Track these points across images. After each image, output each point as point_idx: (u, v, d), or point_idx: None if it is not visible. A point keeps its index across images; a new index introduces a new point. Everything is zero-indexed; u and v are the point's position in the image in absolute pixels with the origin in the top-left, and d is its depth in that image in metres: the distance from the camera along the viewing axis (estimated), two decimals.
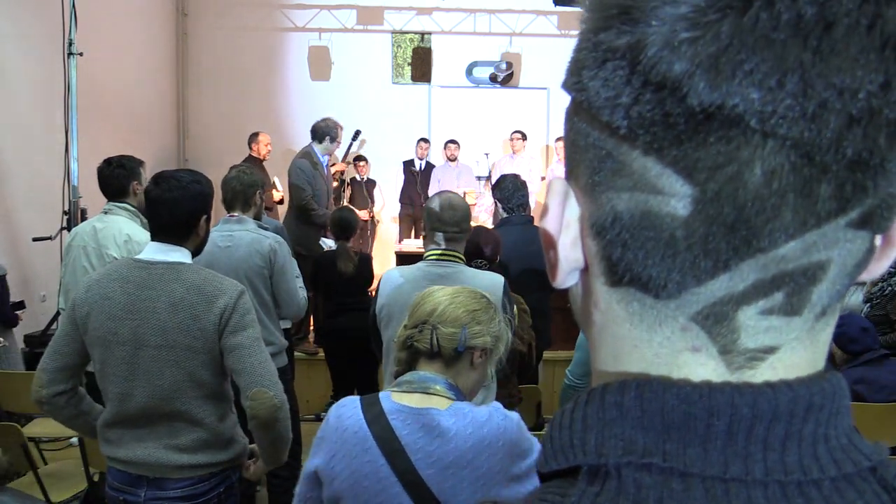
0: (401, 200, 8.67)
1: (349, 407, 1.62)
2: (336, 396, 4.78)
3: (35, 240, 5.16)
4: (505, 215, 4.07)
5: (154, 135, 8.50)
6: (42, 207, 5.69)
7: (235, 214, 3.39)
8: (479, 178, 8.80)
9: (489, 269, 3.15)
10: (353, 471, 1.54)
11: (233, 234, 3.31)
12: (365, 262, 4.61)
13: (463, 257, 2.81)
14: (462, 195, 7.74)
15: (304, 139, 8.26)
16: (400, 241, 8.68)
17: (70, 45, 5.00)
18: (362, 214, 8.03)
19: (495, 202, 4.17)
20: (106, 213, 3.54)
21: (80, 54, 5.04)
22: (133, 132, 7.80)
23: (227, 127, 9.10)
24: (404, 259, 6.12)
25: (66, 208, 5.08)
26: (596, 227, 0.43)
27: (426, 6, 9.29)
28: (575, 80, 0.43)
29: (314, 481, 1.61)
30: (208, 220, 2.30)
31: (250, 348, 2.08)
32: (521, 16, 9.54)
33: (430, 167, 8.79)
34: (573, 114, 0.45)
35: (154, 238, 2.23)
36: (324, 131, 6.00)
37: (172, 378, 2.05)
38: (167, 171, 2.27)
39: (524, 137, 8.73)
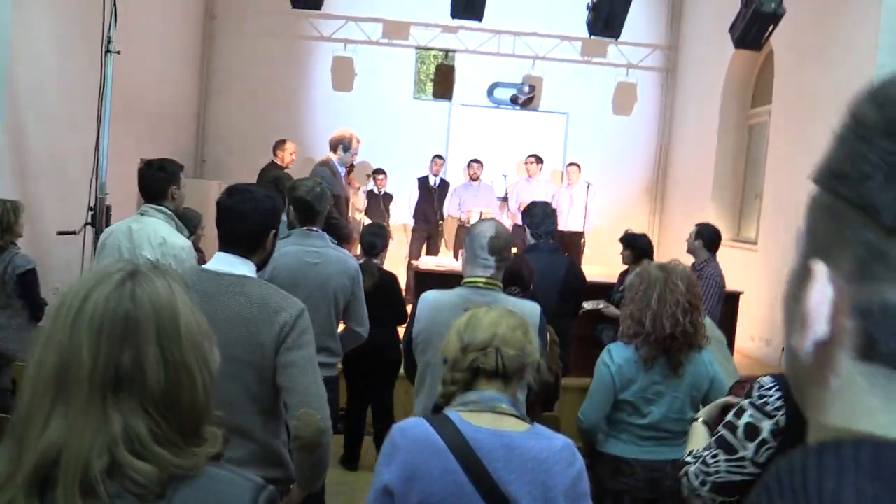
0: (414, 216, 8.69)
1: (419, 428, 1.67)
2: (348, 411, 4.78)
3: (59, 234, 5.17)
4: (532, 241, 4.10)
5: (173, 135, 8.53)
6: (67, 201, 5.71)
7: (314, 229, 3.41)
8: (503, 199, 8.84)
9: (522, 297, 3.17)
10: (434, 489, 1.60)
11: (318, 250, 3.34)
12: (388, 280, 4.62)
13: (501, 285, 2.84)
14: (479, 216, 7.82)
15: (322, 148, 8.33)
16: (411, 257, 8.71)
17: (108, 42, 5.03)
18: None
19: (524, 227, 4.20)
20: (142, 214, 3.55)
21: (118, 52, 5.07)
22: (153, 131, 7.84)
23: (246, 132, 9.16)
24: (424, 277, 6.14)
25: (92, 204, 5.09)
26: (860, 310, 0.49)
27: (452, 24, 9.36)
28: (852, 184, 0.49)
29: (386, 496, 1.65)
30: (276, 235, 2.33)
31: (304, 368, 2.09)
32: (546, 40, 9.62)
33: (444, 184, 8.83)
34: (836, 206, 0.51)
35: (222, 248, 2.24)
36: (338, 142, 6.02)
37: (229, 391, 2.05)
38: (241, 183, 2.30)
39: (539, 161, 8.76)
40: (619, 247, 5.42)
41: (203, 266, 2.29)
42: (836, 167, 0.51)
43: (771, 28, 5.21)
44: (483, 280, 2.75)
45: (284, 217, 4.08)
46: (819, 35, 6.38)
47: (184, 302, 1.00)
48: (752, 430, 1.74)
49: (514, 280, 3.23)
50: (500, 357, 1.73)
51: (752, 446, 1.73)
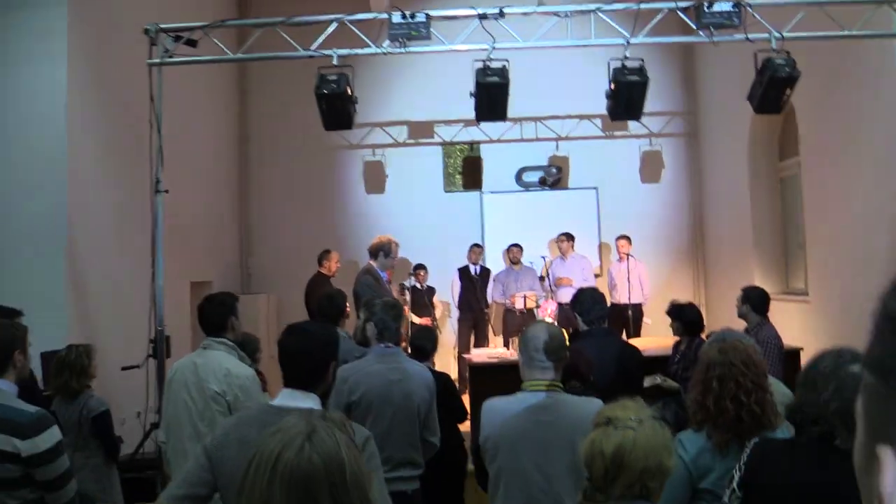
0: (459, 306, 8.79)
1: None
2: None
3: (124, 369, 5.36)
4: (585, 328, 4.14)
5: (219, 256, 8.85)
6: (126, 335, 5.93)
7: (390, 345, 3.54)
8: (541, 278, 8.90)
9: (582, 391, 3.20)
10: None
11: (399, 366, 3.49)
12: (442, 382, 4.67)
13: (561, 386, 2.88)
14: (523, 300, 7.86)
15: (363, 251, 8.54)
16: (459, 347, 8.75)
17: (157, 183, 5.33)
18: (424, 321, 8.16)
19: (571, 310, 4.25)
20: (205, 348, 3.69)
21: (166, 192, 5.37)
22: (201, 254, 8.15)
23: (287, 244, 9.47)
24: (479, 370, 6.17)
25: (152, 336, 5.29)
26: None
27: (473, 118, 9.66)
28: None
29: None
30: (336, 366, 2.44)
31: (379, 492, 2.15)
32: (566, 121, 9.87)
33: (485, 271, 8.94)
34: (888, 394, 0.57)
35: (287, 385, 2.36)
36: (378, 248, 6.18)
37: None
38: (298, 322, 2.43)
39: (570, 238, 8.85)
40: (668, 318, 5.43)
41: (270, 402, 2.39)
42: (880, 360, 0.57)
43: (788, 91, 5.31)
44: (545, 383, 2.80)
45: (344, 333, 4.21)
46: (839, 86, 6.48)
47: (347, 453, 1.29)
48: None
49: (572, 375, 3.26)
50: (644, 489, 1.83)
51: None
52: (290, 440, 1.29)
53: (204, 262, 8.15)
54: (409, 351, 4.69)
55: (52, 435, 2.83)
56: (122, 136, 6.43)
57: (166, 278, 5.47)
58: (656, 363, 5.41)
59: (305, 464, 1.26)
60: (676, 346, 5.73)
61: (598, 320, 4.22)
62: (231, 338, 3.73)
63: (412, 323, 7.96)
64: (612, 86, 5.23)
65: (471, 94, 5.31)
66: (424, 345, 4.63)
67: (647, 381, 5.02)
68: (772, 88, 5.25)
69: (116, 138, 6.44)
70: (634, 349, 4.37)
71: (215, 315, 3.69)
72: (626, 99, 5.13)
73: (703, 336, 5.62)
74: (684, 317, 5.48)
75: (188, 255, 7.51)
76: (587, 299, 4.24)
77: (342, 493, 1.27)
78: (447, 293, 9.04)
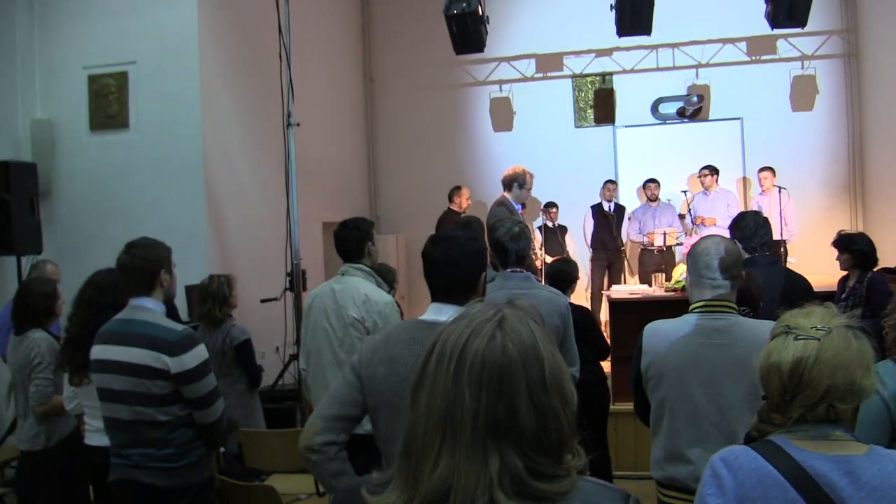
0: (592, 246, 8.43)
1: (747, 457, 1.52)
2: None
3: (263, 301, 5.44)
4: (746, 255, 3.74)
5: (347, 195, 8.89)
6: (263, 269, 6.03)
7: (519, 270, 3.31)
8: (680, 216, 8.38)
9: (753, 318, 2.85)
10: None
11: (527, 292, 3.21)
12: (583, 314, 4.42)
13: (736, 307, 2.55)
14: (663, 237, 7.43)
15: (491, 189, 8.33)
16: (592, 287, 8.43)
17: (289, 116, 5.29)
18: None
19: (734, 242, 3.84)
20: (343, 274, 3.60)
21: (298, 124, 5.32)
22: (329, 194, 8.20)
23: (415, 184, 9.40)
24: (620, 306, 5.86)
25: (289, 270, 5.32)
26: None
27: (605, 47, 9.14)
28: None
29: None
30: (486, 277, 2.23)
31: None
32: (707, 46, 9.13)
33: (620, 209, 8.52)
34: None
35: (435, 299, 2.18)
36: (512, 179, 5.91)
37: None
38: (444, 231, 2.24)
39: (713, 172, 8.24)
40: (823, 253, 4.88)
41: (420, 318, 2.22)
42: None
43: None
44: (719, 304, 2.49)
45: None
46: None
47: (544, 345, 1.08)
48: None
49: (743, 300, 2.91)
50: (832, 411, 1.54)
51: None
52: (479, 327, 1.08)
53: (333, 202, 8.20)
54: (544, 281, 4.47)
55: (200, 353, 2.83)
56: (252, 71, 6.47)
57: (299, 218, 5.47)
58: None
59: (499, 355, 1.05)
60: (843, 281, 5.19)
61: (761, 247, 3.81)
62: (368, 263, 3.63)
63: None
64: None
65: (611, 7, 4.88)
66: (566, 269, 4.38)
67: None
68: None
69: (247, 73, 6.48)
70: (803, 279, 3.92)
71: (352, 240, 3.59)
72: (789, 1, 4.53)
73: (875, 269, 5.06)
74: (855, 247, 4.93)
75: (318, 196, 7.56)
76: (750, 224, 3.83)
77: (541, 392, 1.05)
78: (579, 232, 8.69)
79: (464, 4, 4.82)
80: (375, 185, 9.78)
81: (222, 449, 3.94)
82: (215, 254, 5.88)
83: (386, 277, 4.13)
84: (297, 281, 5.22)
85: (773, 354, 1.59)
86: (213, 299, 4.43)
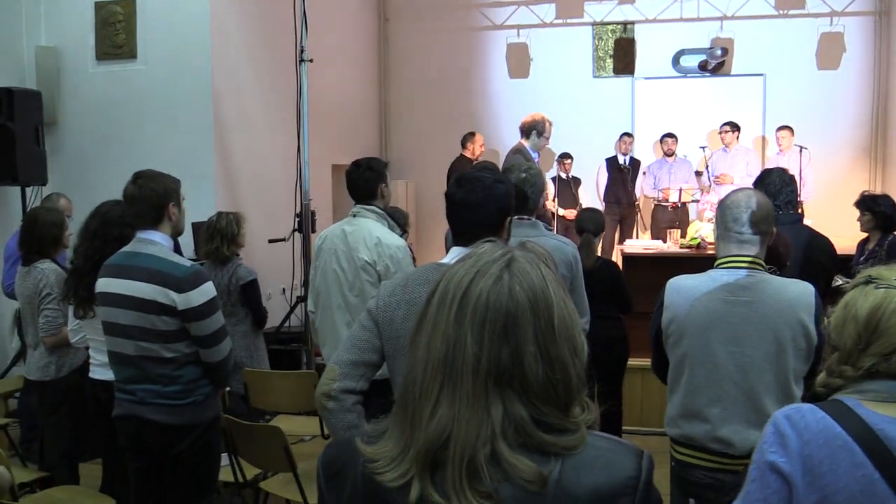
0: (605, 199, 8.30)
1: (813, 415, 1.43)
2: None
3: (271, 241, 5.36)
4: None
5: (358, 138, 8.73)
6: (272, 208, 5.93)
7: (526, 218, 3.20)
8: (697, 173, 8.23)
9: (780, 276, 2.75)
10: (839, 486, 1.38)
11: (533, 239, 3.05)
12: (607, 265, 4.33)
13: (764, 264, 2.45)
14: (678, 194, 7.30)
15: (504, 137, 8.17)
16: (604, 241, 8.31)
17: (302, 52, 5.13)
18: (569, 214, 7.77)
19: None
20: (354, 216, 3.50)
21: (311, 60, 5.16)
22: (340, 135, 8.04)
23: (428, 129, 9.22)
24: (635, 261, 5.77)
25: (298, 211, 5.22)
26: None
27: None
28: None
29: (776, 475, 1.42)
30: (511, 221, 2.14)
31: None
32: None
33: (635, 163, 8.36)
34: None
35: (457, 242, 2.09)
36: (531, 127, 5.77)
37: None
38: (469, 172, 2.13)
39: (735, 129, 8.05)
40: (839, 216, 4.77)
41: (440, 262, 2.13)
42: None
43: None
44: (747, 259, 2.39)
45: None
46: None
47: (555, 290, 1.01)
48: None
49: (770, 258, 2.81)
50: None
51: None
52: (485, 267, 1.00)
53: (344, 144, 8.04)
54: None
55: (207, 291, 2.75)
56: (265, 2, 6.26)
57: (309, 159, 5.34)
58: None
59: (505, 298, 0.97)
60: (863, 243, 5.09)
61: (786, 205, 3.68)
62: (381, 206, 3.52)
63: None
64: None
65: None
66: (594, 222, 4.28)
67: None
68: None
69: (259, 4, 6.27)
70: (826, 239, 3.82)
71: (364, 180, 3.47)
72: None
73: None
74: (878, 208, 4.81)
75: (328, 137, 7.41)
76: (775, 180, 3.70)
77: (549, 339, 0.98)
78: (592, 185, 8.55)
79: None
80: (387, 129, 9.60)
81: (228, 388, 3.90)
82: (224, 191, 5.78)
83: (398, 221, 4.02)
84: (306, 222, 5.13)
85: (851, 304, 1.50)
86: (221, 237, 4.35)
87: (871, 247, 4.91)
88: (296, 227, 5.20)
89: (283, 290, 6.04)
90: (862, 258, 4.93)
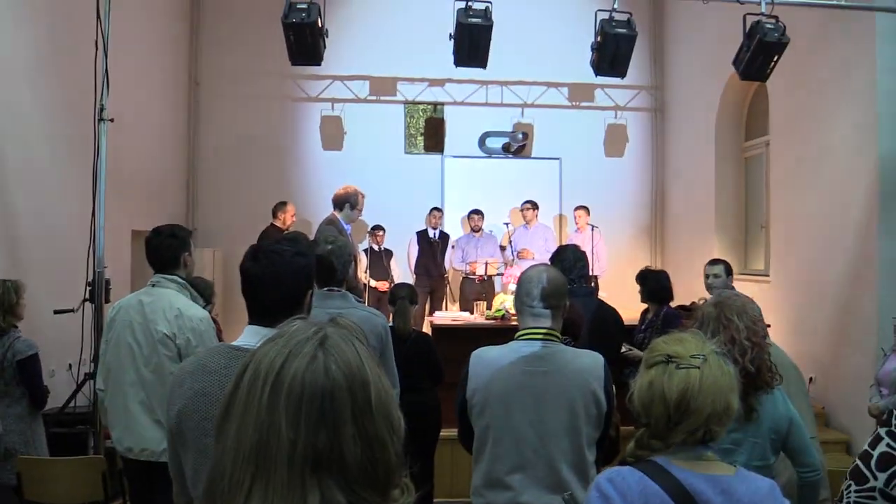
0: (416, 271, 8.49)
1: (633, 477, 1.60)
2: None
3: (57, 312, 4.89)
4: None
5: (162, 204, 8.31)
6: (61, 277, 5.45)
7: (335, 289, 3.14)
8: (501, 247, 8.67)
9: (574, 346, 2.95)
10: None
11: (343, 311, 2.97)
12: (421, 339, 4.40)
13: (559, 335, 2.62)
14: (484, 267, 7.63)
15: (316, 208, 8.15)
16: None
17: (101, 110, 4.85)
18: (381, 285, 7.84)
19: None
20: (154, 285, 3.30)
21: (111, 120, 4.89)
22: (142, 201, 7.62)
23: (238, 196, 9.01)
24: (443, 332, 5.90)
25: (90, 279, 4.83)
26: None
27: (439, 77, 9.34)
28: None
29: None
30: (312, 295, 2.05)
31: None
32: (533, 87, 9.62)
33: (444, 236, 8.67)
34: None
35: (252, 321, 1.95)
36: (344, 199, 5.83)
37: None
38: (267, 243, 2.03)
39: (534, 207, 8.66)
40: (627, 288, 5.26)
41: (233, 343, 1.96)
42: None
43: (776, 57, 5.14)
44: (542, 331, 2.53)
45: None
46: (814, 63, 6.37)
47: (370, 367, 0.98)
48: (887, 460, 1.69)
49: (565, 329, 3.00)
50: (708, 434, 1.66)
51: (883, 476, 1.69)
52: (297, 347, 0.95)
53: (147, 209, 7.62)
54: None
55: None
56: (64, 57, 5.89)
57: (106, 223, 4.99)
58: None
59: (321, 377, 0.93)
60: (644, 313, 5.58)
61: (579, 279, 3.99)
62: (183, 275, 3.36)
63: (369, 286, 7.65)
64: (599, 38, 4.96)
65: (450, 36, 4.96)
66: (401, 293, 4.35)
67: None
68: (760, 53, 5.07)
69: (58, 59, 5.88)
70: (613, 310, 4.16)
71: (166, 248, 3.31)
72: (612, 53, 4.87)
73: (672, 305, 5.49)
74: (652, 283, 5.32)
75: (130, 201, 6.99)
76: (570, 256, 4.01)
77: (367, 418, 0.94)
78: (404, 257, 8.73)
79: (303, 14, 4.68)
80: (194, 195, 9.24)
81: None
82: (3, 255, 5.22)
83: (202, 291, 3.86)
84: (98, 291, 4.74)
85: (656, 384, 1.65)
86: None
87: (650, 317, 5.39)
88: (87, 296, 4.79)
89: (70, 365, 5.50)
90: (643, 327, 5.40)
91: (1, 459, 3.66)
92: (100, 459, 3.72)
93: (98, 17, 4.79)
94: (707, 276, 5.36)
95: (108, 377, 3.30)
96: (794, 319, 6.64)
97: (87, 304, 4.83)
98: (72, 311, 4.85)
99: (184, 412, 1.82)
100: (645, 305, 5.53)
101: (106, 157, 4.91)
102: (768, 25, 5.05)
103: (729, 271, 5.32)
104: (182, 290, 3.32)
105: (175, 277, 3.31)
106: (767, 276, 7.42)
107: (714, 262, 5.48)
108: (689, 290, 6.43)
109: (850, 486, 1.74)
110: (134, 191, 7.26)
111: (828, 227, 6.27)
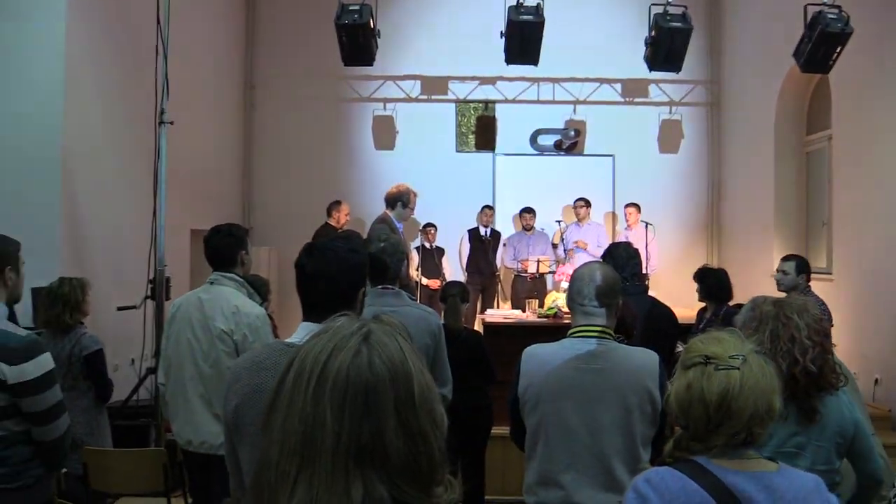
0: (467, 269, 8.51)
1: (672, 477, 1.58)
2: None
3: (120, 309, 5.06)
4: None
5: (219, 204, 8.51)
6: (124, 275, 5.62)
7: (389, 287, 3.18)
8: (553, 245, 8.62)
9: (628, 345, 2.91)
10: None
11: (396, 309, 3.00)
12: (472, 337, 4.41)
13: (612, 333, 2.59)
14: (536, 265, 7.60)
15: (369, 207, 8.23)
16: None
17: (162, 113, 4.99)
18: (432, 283, 7.87)
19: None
20: (212, 283, 3.38)
21: (171, 123, 5.03)
22: (200, 201, 7.81)
23: (291, 196, 9.15)
24: (492, 330, 5.90)
25: (151, 277, 4.99)
26: None
27: (490, 75, 9.33)
28: None
29: None
30: (365, 293, 2.07)
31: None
32: (585, 84, 9.52)
33: (496, 234, 8.66)
34: None
35: (307, 317, 1.97)
36: (396, 198, 5.87)
37: None
38: (321, 240, 2.06)
39: (587, 205, 8.58)
40: (681, 288, 5.14)
41: (288, 340, 2.00)
42: None
43: (839, 49, 4.98)
44: (596, 329, 2.51)
45: None
46: (880, 52, 6.15)
47: (413, 362, 1.00)
48: None
49: (618, 328, 2.97)
50: (750, 437, 1.63)
51: None
52: (342, 342, 0.98)
53: (205, 210, 7.80)
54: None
55: (44, 362, 2.54)
56: (127, 62, 6.07)
57: (166, 223, 5.13)
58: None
59: (365, 371, 0.95)
60: (702, 312, 5.47)
61: (632, 277, 3.93)
62: (241, 273, 3.43)
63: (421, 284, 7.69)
64: (653, 32, 4.88)
65: (501, 34, 4.95)
66: (452, 290, 4.36)
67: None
68: (822, 45, 4.92)
69: (120, 64, 6.07)
70: (667, 308, 4.10)
71: (224, 247, 3.39)
72: (667, 47, 4.79)
73: (731, 304, 5.36)
74: (712, 281, 5.21)
75: (188, 202, 7.17)
76: (622, 254, 3.96)
77: (410, 412, 0.96)
78: (455, 255, 8.75)
79: (355, 15, 4.73)
80: (250, 195, 9.44)
81: (64, 469, 3.58)
82: (70, 255, 5.42)
83: (259, 289, 3.93)
84: (159, 289, 4.89)
85: (695, 386, 1.61)
86: (64, 304, 4.06)
87: (708, 316, 5.29)
88: (148, 293, 4.94)
89: (133, 360, 5.68)
90: (701, 326, 5.29)
91: (68, 450, 3.80)
92: (161, 451, 3.83)
93: (158, 23, 4.92)
94: (777, 273, 5.22)
95: (169, 372, 3.40)
96: (858, 319, 6.43)
97: (149, 301, 4.99)
98: (134, 307, 5.01)
99: (240, 408, 1.86)
100: (701, 304, 5.43)
101: (166, 158, 5.06)
102: (831, 15, 4.90)
103: (801, 269, 5.08)
104: (239, 287, 3.39)
105: (232, 275, 3.38)
106: (830, 273, 7.20)
107: (786, 257, 5.29)
108: (746, 289, 6.27)
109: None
110: (192, 191, 7.45)
111: (894, 223, 6.05)
